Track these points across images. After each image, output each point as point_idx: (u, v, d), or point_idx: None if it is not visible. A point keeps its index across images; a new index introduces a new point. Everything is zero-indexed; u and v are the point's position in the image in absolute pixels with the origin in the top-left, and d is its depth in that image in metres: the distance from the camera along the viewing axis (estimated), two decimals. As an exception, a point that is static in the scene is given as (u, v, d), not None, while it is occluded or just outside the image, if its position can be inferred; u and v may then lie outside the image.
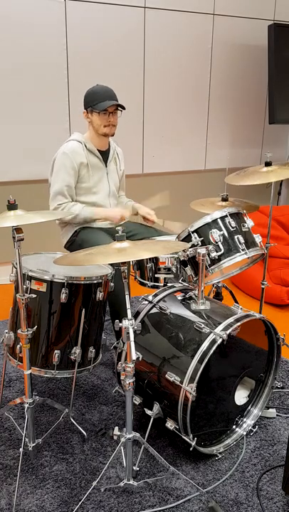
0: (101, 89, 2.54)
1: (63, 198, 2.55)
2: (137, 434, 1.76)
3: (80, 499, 1.73)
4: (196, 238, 2.05)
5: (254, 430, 2.09)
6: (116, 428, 1.77)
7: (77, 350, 2.00)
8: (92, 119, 2.56)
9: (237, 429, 2.07)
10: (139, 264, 2.29)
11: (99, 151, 2.63)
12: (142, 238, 2.63)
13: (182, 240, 2.11)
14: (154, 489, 1.78)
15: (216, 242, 2.03)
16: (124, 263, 1.65)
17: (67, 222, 2.65)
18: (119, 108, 2.55)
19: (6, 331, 2.06)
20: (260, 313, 2.30)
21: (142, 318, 2.04)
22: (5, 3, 3.27)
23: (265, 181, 2.14)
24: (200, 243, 2.04)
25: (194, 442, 1.82)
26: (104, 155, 2.67)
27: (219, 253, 2.02)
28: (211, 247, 2.02)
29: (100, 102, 2.49)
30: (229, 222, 2.06)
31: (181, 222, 2.64)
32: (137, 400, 2.01)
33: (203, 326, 1.86)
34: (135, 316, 2.06)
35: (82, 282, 1.97)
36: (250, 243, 2.09)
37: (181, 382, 1.80)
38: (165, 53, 3.97)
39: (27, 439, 1.88)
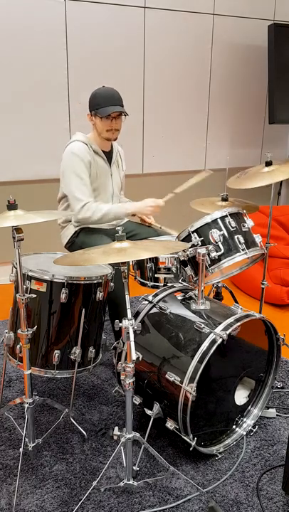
0: (105, 92, 2.48)
1: (85, 197, 2.48)
2: (137, 434, 1.76)
3: (80, 499, 1.73)
4: (196, 238, 2.05)
5: (254, 430, 2.09)
6: (116, 428, 1.77)
7: (77, 350, 2.00)
8: (95, 122, 2.52)
9: (237, 429, 2.07)
10: (139, 264, 2.29)
11: (103, 152, 2.62)
12: (141, 238, 2.62)
13: (182, 240, 2.11)
14: (154, 489, 1.78)
15: (216, 242, 2.02)
16: (124, 263, 1.65)
17: (69, 222, 2.64)
18: (124, 114, 2.50)
19: (6, 331, 2.06)
20: (260, 313, 2.30)
21: (142, 318, 2.04)
22: (5, 3, 3.27)
23: (266, 183, 2.14)
24: (200, 243, 2.04)
25: (194, 442, 1.82)
26: (108, 156, 2.66)
27: (219, 253, 2.02)
28: (211, 247, 2.02)
29: (103, 107, 2.44)
30: (229, 222, 2.06)
31: (180, 223, 2.64)
32: (137, 400, 2.01)
33: (203, 326, 1.86)
34: (135, 316, 2.06)
35: (82, 282, 1.97)
36: (250, 243, 2.09)
37: (181, 382, 1.80)
38: (165, 53, 3.97)
39: (27, 439, 1.88)
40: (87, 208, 2.47)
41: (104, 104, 2.45)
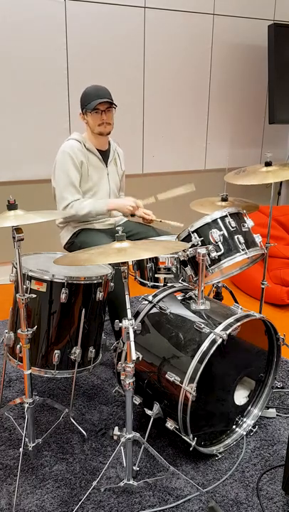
0: (92, 89, 2.53)
1: (71, 196, 2.51)
2: (137, 434, 1.76)
3: (80, 499, 1.73)
4: (196, 238, 2.05)
5: (254, 430, 2.09)
6: (116, 428, 1.77)
7: (77, 350, 2.00)
8: (87, 119, 2.57)
9: (237, 429, 2.07)
10: (139, 264, 2.29)
11: (99, 150, 2.63)
12: (141, 238, 2.62)
13: (182, 240, 2.11)
14: (154, 489, 1.78)
15: (216, 242, 2.02)
16: (124, 263, 1.65)
17: (67, 223, 2.64)
18: (113, 106, 2.53)
19: (6, 331, 2.06)
20: (260, 313, 2.30)
21: (142, 318, 2.04)
22: (5, 3, 3.27)
23: (264, 181, 2.14)
24: (200, 243, 2.04)
25: (194, 442, 1.82)
26: (104, 155, 2.67)
27: (219, 253, 2.02)
28: (211, 247, 2.02)
29: (90, 102, 2.49)
30: (229, 222, 2.06)
31: (179, 220, 2.64)
32: (137, 400, 2.01)
33: (203, 326, 1.86)
34: (135, 316, 2.06)
35: (82, 282, 1.97)
36: (250, 243, 2.09)
37: (181, 382, 1.80)
38: (165, 53, 3.97)
39: (27, 439, 1.88)
40: (71, 207, 2.51)
41: (92, 99, 2.49)
